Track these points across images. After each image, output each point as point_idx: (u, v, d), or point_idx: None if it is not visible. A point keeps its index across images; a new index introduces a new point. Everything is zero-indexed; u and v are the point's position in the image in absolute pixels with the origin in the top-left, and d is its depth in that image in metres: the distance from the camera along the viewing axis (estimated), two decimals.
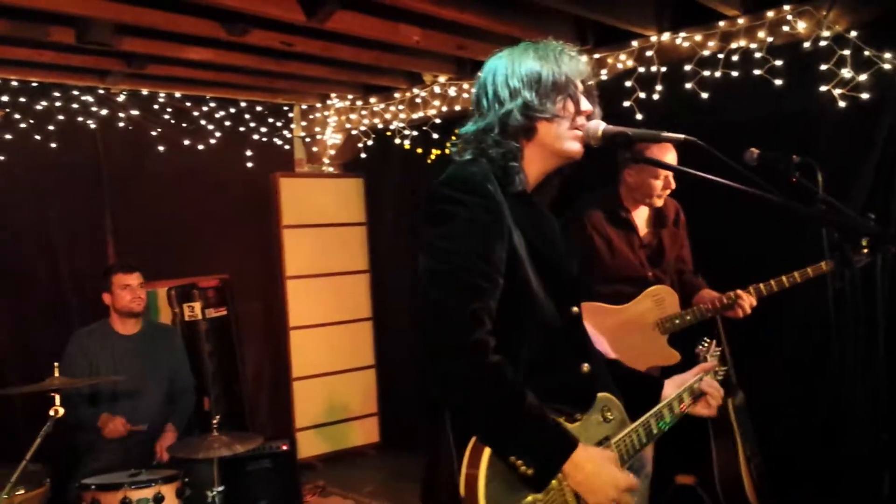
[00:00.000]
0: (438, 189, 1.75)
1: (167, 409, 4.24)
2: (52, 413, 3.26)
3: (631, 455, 1.86)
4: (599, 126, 1.88)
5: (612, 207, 3.44)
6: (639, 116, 4.13)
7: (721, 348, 2.37)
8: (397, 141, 5.61)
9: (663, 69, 4.12)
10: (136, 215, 5.27)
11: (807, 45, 3.68)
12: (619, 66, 4.31)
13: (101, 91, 5.13)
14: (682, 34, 4.07)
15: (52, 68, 4.61)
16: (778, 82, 3.76)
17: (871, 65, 3.52)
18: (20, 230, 4.90)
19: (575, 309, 1.87)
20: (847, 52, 3.55)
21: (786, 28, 3.73)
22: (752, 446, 3.64)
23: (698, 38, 4.00)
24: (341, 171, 6.28)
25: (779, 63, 3.75)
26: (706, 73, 3.96)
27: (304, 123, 6.27)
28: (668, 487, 3.80)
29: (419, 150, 5.50)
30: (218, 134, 5.63)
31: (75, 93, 5.05)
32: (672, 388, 2.07)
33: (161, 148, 5.39)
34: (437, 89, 5.24)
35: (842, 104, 3.61)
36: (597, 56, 4.39)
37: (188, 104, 5.55)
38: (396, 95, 5.52)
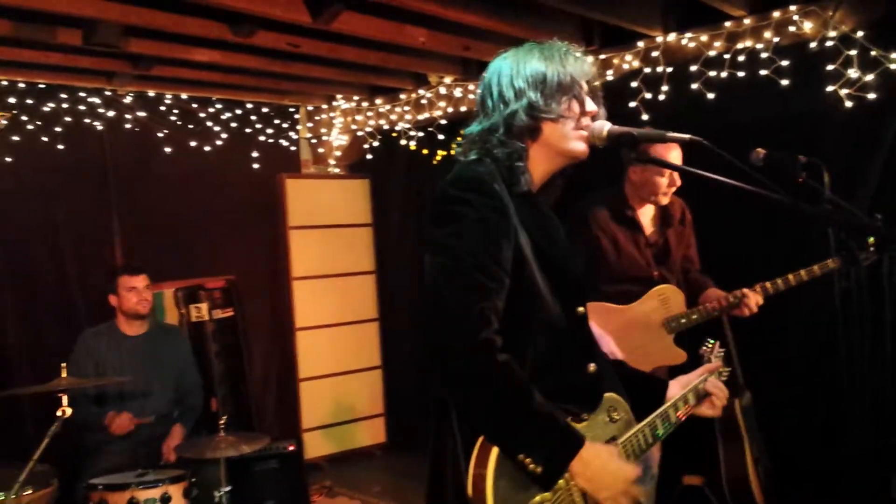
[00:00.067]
0: (445, 189, 1.76)
1: (174, 410, 4.25)
2: (59, 413, 3.27)
3: (637, 455, 1.87)
4: (605, 126, 1.88)
5: (617, 206, 3.43)
6: (645, 117, 4.13)
7: (725, 349, 2.36)
8: (403, 142, 5.62)
9: (669, 70, 4.12)
10: (143, 216, 5.29)
11: (813, 45, 3.67)
12: (625, 66, 4.31)
13: (108, 93, 5.14)
14: (688, 35, 4.06)
15: (58, 70, 4.63)
16: (784, 82, 3.75)
17: (877, 65, 3.51)
18: (27, 231, 4.92)
19: (581, 309, 1.87)
20: (853, 53, 3.54)
21: (792, 28, 3.73)
22: (759, 447, 3.63)
23: (704, 38, 3.99)
24: (347, 173, 6.29)
25: (785, 63, 3.74)
26: (712, 73, 3.95)
27: (310, 125, 6.28)
28: (676, 488, 3.79)
29: (425, 151, 5.51)
30: (224, 135, 5.65)
31: (82, 94, 5.06)
32: (677, 388, 2.07)
33: (168, 149, 5.40)
34: (442, 90, 5.25)
35: (848, 104, 3.60)
36: (603, 57, 4.39)
37: (194, 106, 5.57)
38: (402, 96, 5.53)
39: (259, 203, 5.83)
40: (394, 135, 5.72)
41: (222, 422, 3.75)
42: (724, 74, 3.93)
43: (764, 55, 3.80)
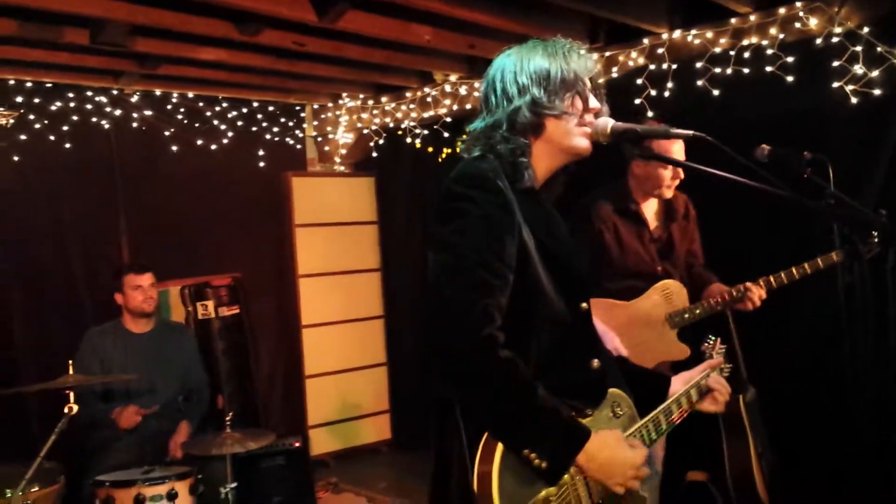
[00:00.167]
0: (449, 186, 1.76)
1: (181, 404, 4.27)
2: (66, 410, 3.29)
3: None
4: (608, 123, 1.89)
5: (620, 201, 3.42)
6: (650, 114, 4.12)
7: (728, 345, 2.37)
8: (408, 140, 5.63)
9: (674, 66, 4.11)
10: (150, 215, 5.31)
11: (819, 41, 3.67)
12: (631, 63, 4.31)
13: (115, 92, 5.16)
14: (694, 31, 4.06)
15: (66, 69, 4.65)
16: (790, 79, 3.75)
17: (883, 61, 3.50)
18: (35, 230, 4.94)
19: (584, 305, 1.87)
20: (859, 49, 3.54)
21: (797, 24, 3.72)
22: (763, 442, 3.63)
23: (709, 35, 3.99)
24: (353, 171, 6.30)
25: (790, 60, 3.74)
26: (717, 70, 3.95)
27: (315, 123, 6.29)
28: (680, 484, 3.79)
29: (430, 149, 5.52)
30: (230, 134, 5.66)
31: (89, 93, 5.08)
32: (679, 384, 2.07)
33: (174, 148, 5.42)
34: (448, 88, 5.25)
35: (854, 100, 3.59)
36: (608, 54, 4.38)
37: (201, 104, 5.58)
38: (408, 94, 5.54)
39: (265, 201, 5.85)
40: (399, 133, 5.73)
41: (228, 418, 3.77)
42: (729, 71, 3.92)
43: (769, 52, 3.80)
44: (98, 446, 3.99)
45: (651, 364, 3.31)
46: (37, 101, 4.89)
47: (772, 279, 3.32)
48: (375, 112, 5.82)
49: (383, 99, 5.73)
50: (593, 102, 1.88)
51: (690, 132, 1.87)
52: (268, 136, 5.91)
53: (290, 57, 4.68)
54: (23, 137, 4.85)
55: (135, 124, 5.28)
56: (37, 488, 3.21)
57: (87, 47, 4.10)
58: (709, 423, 3.18)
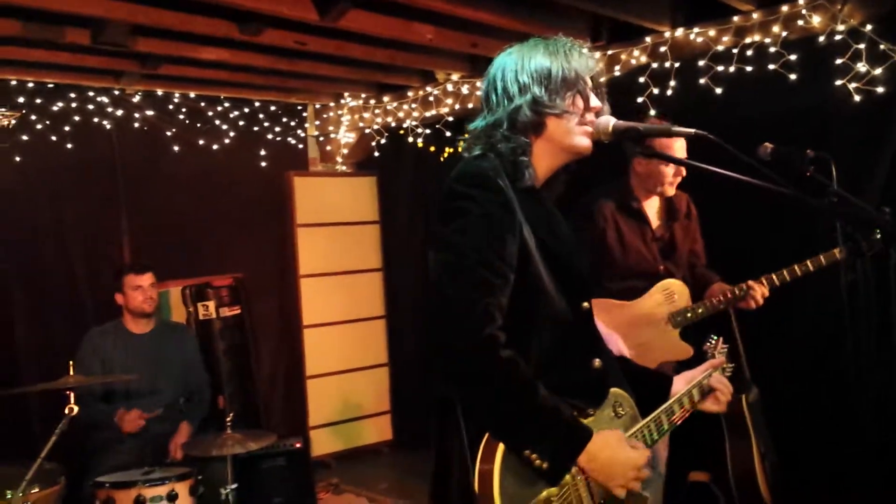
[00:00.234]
0: (450, 185, 1.76)
1: (181, 405, 4.26)
2: (66, 411, 3.29)
3: None
4: (610, 121, 1.88)
5: (623, 199, 3.41)
6: (652, 112, 4.11)
7: (731, 344, 2.36)
8: (410, 139, 5.62)
9: (677, 65, 4.10)
10: (151, 215, 5.30)
11: (821, 39, 3.65)
12: (633, 62, 4.30)
13: (117, 92, 5.16)
14: (696, 29, 4.05)
15: (67, 69, 4.64)
16: (792, 77, 3.73)
17: (886, 58, 3.49)
18: (36, 230, 4.94)
19: (585, 304, 1.86)
20: (862, 46, 3.52)
21: (800, 22, 3.71)
22: (766, 442, 3.62)
23: (712, 33, 3.98)
24: (355, 170, 6.30)
25: (793, 58, 3.72)
26: (720, 68, 3.94)
27: (317, 122, 6.29)
28: (682, 484, 3.78)
29: (432, 149, 5.51)
30: (232, 134, 5.66)
31: (91, 94, 5.08)
32: (681, 384, 2.07)
33: (176, 148, 5.42)
34: (450, 87, 5.24)
35: (857, 98, 3.58)
36: (610, 52, 4.37)
37: (202, 104, 5.58)
38: (410, 94, 5.53)
39: (267, 201, 5.85)
40: (401, 132, 5.72)
41: (229, 419, 3.76)
42: (731, 69, 3.91)
43: (772, 49, 3.78)
44: (98, 447, 3.99)
45: (654, 364, 3.30)
46: (38, 101, 4.89)
47: (774, 277, 3.31)
48: (377, 111, 5.81)
49: (385, 98, 5.72)
50: (594, 101, 1.87)
51: (692, 130, 1.86)
52: (269, 136, 5.91)
53: (292, 56, 4.68)
54: (24, 138, 4.84)
55: (136, 124, 5.28)
56: (37, 489, 3.20)
57: (88, 47, 4.10)
58: (711, 423, 3.16)
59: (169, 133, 5.40)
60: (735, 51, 3.88)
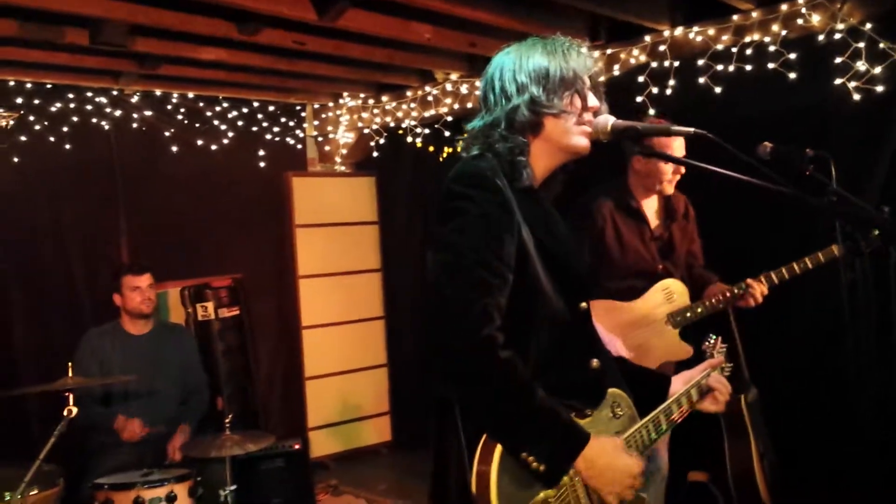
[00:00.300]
0: (448, 185, 1.75)
1: (180, 408, 4.26)
2: (65, 413, 3.28)
3: (642, 451, 1.86)
4: (608, 120, 1.88)
5: (621, 197, 3.40)
6: (652, 111, 4.10)
7: (730, 344, 2.36)
8: (409, 139, 5.61)
9: (676, 64, 4.10)
10: (150, 215, 5.30)
11: (821, 38, 3.65)
12: (632, 61, 4.29)
13: (115, 92, 5.15)
14: (696, 28, 4.04)
15: (65, 70, 4.64)
16: (792, 76, 3.73)
17: (885, 57, 3.48)
18: (35, 231, 4.94)
19: (583, 305, 1.86)
20: (862, 45, 3.52)
21: (800, 21, 3.70)
22: (764, 442, 3.61)
23: (711, 32, 3.97)
24: (353, 170, 6.29)
25: (793, 56, 3.72)
26: (719, 67, 3.93)
27: (316, 123, 6.28)
28: (681, 484, 3.77)
29: (431, 149, 5.51)
30: (231, 134, 5.65)
31: (89, 94, 5.08)
32: (680, 384, 2.06)
33: (174, 148, 5.41)
34: (448, 87, 5.23)
35: (856, 97, 3.57)
36: (609, 51, 4.37)
37: (201, 104, 5.57)
38: (408, 93, 5.52)
39: (265, 201, 5.84)
40: (400, 132, 5.72)
41: (228, 420, 3.75)
42: (731, 68, 3.90)
43: (772, 48, 3.78)
44: (97, 448, 3.99)
45: (654, 364, 3.30)
46: (37, 101, 4.89)
47: (773, 275, 3.30)
48: (376, 111, 5.81)
49: (384, 98, 5.71)
50: (592, 101, 1.86)
51: (691, 129, 1.86)
52: (268, 136, 5.90)
53: (291, 56, 4.67)
54: (23, 138, 4.84)
55: (135, 125, 5.28)
56: (36, 491, 3.21)
57: (86, 48, 4.09)
58: (710, 422, 3.16)
59: (167, 133, 5.39)
60: (734, 50, 3.88)
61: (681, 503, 3.74)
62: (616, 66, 4.34)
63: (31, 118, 4.87)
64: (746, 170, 1.83)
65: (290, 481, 4.35)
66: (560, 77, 1.81)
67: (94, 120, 5.12)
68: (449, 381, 1.67)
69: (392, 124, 5.76)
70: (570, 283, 1.83)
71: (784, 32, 3.75)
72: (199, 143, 5.51)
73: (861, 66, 3.53)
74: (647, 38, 4.21)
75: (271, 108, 5.91)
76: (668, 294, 3.36)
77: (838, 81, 3.61)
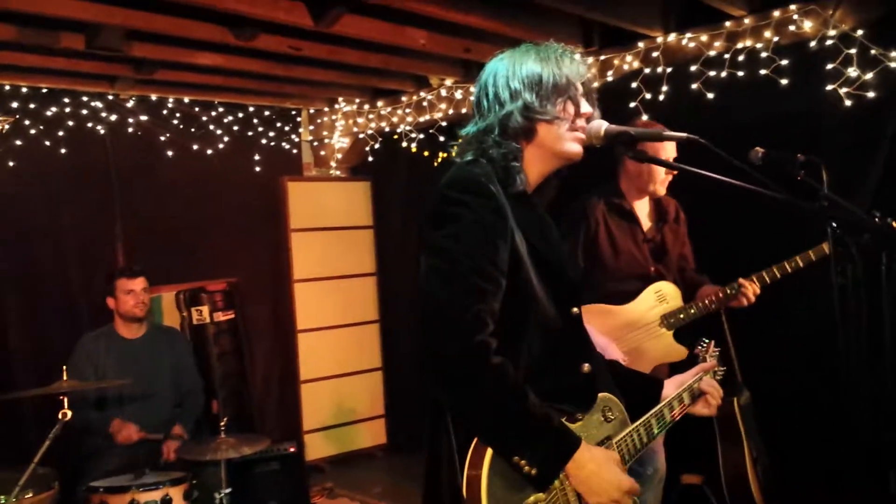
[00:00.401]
0: (442, 191, 1.76)
1: (175, 411, 4.26)
2: (60, 416, 3.29)
3: (633, 455, 1.87)
4: (602, 125, 1.90)
5: (613, 199, 3.42)
6: (645, 117, 4.11)
7: (722, 347, 2.37)
8: (404, 144, 5.63)
9: (669, 70, 4.11)
10: (146, 219, 5.30)
11: (813, 44, 3.67)
12: (625, 67, 4.31)
13: (111, 97, 5.16)
14: (688, 34, 4.06)
15: (61, 74, 4.64)
16: (784, 82, 3.74)
17: (877, 63, 3.50)
18: (31, 235, 4.93)
19: (575, 310, 1.87)
20: (853, 51, 3.54)
21: (792, 27, 3.72)
22: (757, 445, 3.63)
23: (704, 38, 3.99)
24: (349, 175, 6.30)
25: (785, 63, 3.74)
26: (712, 73, 3.95)
27: (311, 127, 6.29)
28: (675, 487, 3.79)
29: (426, 153, 5.52)
30: (226, 139, 5.67)
31: (85, 99, 5.09)
32: (672, 388, 2.07)
33: (170, 153, 5.43)
34: (443, 92, 5.25)
35: (848, 103, 3.59)
36: (603, 57, 4.39)
37: (197, 109, 5.59)
38: (403, 99, 5.54)
39: (261, 206, 5.85)
40: (395, 137, 5.73)
41: (223, 423, 3.76)
42: (723, 74, 3.92)
43: (764, 55, 3.80)
44: (92, 452, 3.99)
45: (649, 367, 3.31)
46: (32, 106, 4.90)
47: (765, 274, 3.32)
48: (371, 116, 5.82)
49: (379, 103, 5.73)
50: (585, 107, 1.88)
51: (684, 134, 1.88)
52: (264, 141, 5.92)
53: (286, 61, 4.68)
54: (19, 143, 4.85)
55: (130, 129, 5.29)
56: (31, 494, 3.20)
57: (83, 52, 4.10)
58: (703, 426, 3.17)
59: (163, 138, 5.41)
60: (727, 56, 3.90)
61: None
62: (609, 72, 4.36)
63: (27, 122, 4.87)
64: (739, 175, 1.85)
65: (285, 484, 4.36)
66: (553, 83, 1.82)
67: (90, 124, 5.13)
68: (441, 386, 1.67)
69: (387, 129, 5.78)
70: (562, 289, 1.84)
71: (776, 39, 3.77)
72: (195, 147, 5.52)
73: (852, 72, 3.55)
74: (641, 45, 4.23)
75: (267, 113, 5.93)
76: (661, 296, 3.37)
77: (830, 87, 3.63)
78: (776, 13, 3.75)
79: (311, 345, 5.84)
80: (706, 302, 3.38)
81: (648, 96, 4.17)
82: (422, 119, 5.44)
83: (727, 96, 3.94)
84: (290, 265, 5.79)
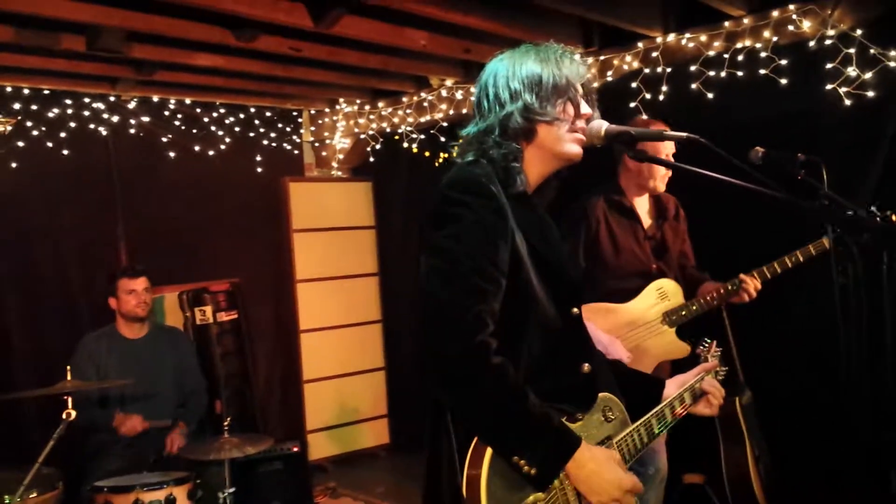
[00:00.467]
0: (442, 191, 1.76)
1: (178, 411, 4.27)
2: (64, 416, 3.30)
3: (633, 455, 1.87)
4: (602, 126, 1.90)
5: (614, 197, 3.43)
6: (644, 118, 4.12)
7: (724, 347, 2.38)
8: (405, 144, 5.64)
9: (669, 70, 4.12)
10: (148, 220, 5.32)
11: (812, 43, 3.67)
12: (625, 67, 4.32)
13: (112, 98, 5.17)
14: (688, 35, 4.07)
15: (63, 76, 4.65)
16: (783, 81, 3.75)
17: (876, 63, 3.51)
18: (33, 236, 4.95)
19: (575, 310, 1.87)
20: (852, 51, 3.54)
21: (791, 27, 3.73)
22: (759, 445, 3.64)
23: (703, 38, 4.00)
24: (350, 175, 6.31)
25: (784, 62, 3.75)
26: (711, 73, 3.96)
27: (312, 128, 6.30)
28: (677, 486, 3.79)
29: (427, 154, 5.53)
30: (228, 139, 5.68)
31: (86, 100, 5.10)
32: (673, 388, 2.08)
33: (172, 154, 5.44)
34: (444, 93, 5.26)
35: (847, 102, 3.60)
36: (603, 57, 4.40)
37: (198, 110, 5.60)
38: (404, 99, 5.55)
39: (263, 206, 5.86)
40: (396, 137, 5.74)
41: (226, 423, 3.77)
42: (723, 74, 3.93)
43: (763, 54, 3.81)
44: (96, 451, 4.00)
45: (652, 364, 3.32)
46: (34, 107, 4.91)
47: (765, 270, 3.33)
48: (372, 117, 5.83)
49: (380, 104, 5.74)
50: (585, 108, 1.88)
51: (684, 134, 1.88)
52: (265, 142, 5.93)
53: (287, 62, 4.69)
54: (20, 144, 4.86)
55: (132, 131, 5.29)
56: (35, 494, 3.21)
57: (83, 54, 4.11)
58: (706, 425, 3.18)
59: (165, 139, 5.42)
60: (726, 56, 3.91)
61: None
62: (609, 72, 4.37)
63: (29, 124, 4.88)
64: (739, 174, 1.86)
65: (288, 484, 4.37)
66: (553, 84, 1.83)
67: (92, 126, 5.14)
68: (441, 386, 1.68)
69: (388, 130, 5.79)
70: (562, 289, 1.85)
71: (775, 38, 3.77)
72: (197, 148, 5.53)
73: (852, 71, 3.55)
74: (640, 45, 4.24)
75: (268, 114, 5.94)
76: (663, 294, 3.38)
77: (829, 87, 3.64)
78: (775, 13, 3.76)
79: (313, 345, 5.85)
80: (707, 298, 3.39)
81: (648, 96, 4.18)
82: (422, 120, 5.45)
83: (727, 96, 3.94)
84: (293, 265, 5.80)
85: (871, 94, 3.54)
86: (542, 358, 1.78)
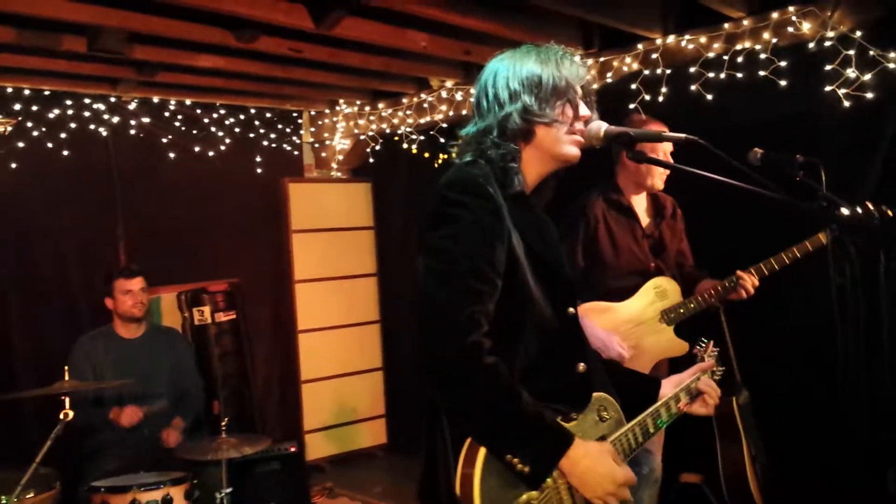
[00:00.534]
0: (440, 192, 1.77)
1: (174, 412, 4.27)
2: (62, 416, 3.30)
3: (628, 454, 1.88)
4: (601, 127, 1.91)
5: (612, 195, 3.43)
6: (641, 116, 4.12)
7: (721, 347, 2.39)
8: (405, 146, 5.64)
9: (668, 71, 4.12)
10: (147, 221, 5.32)
11: (811, 45, 3.67)
12: (625, 68, 4.32)
13: (113, 99, 5.18)
14: (687, 36, 4.07)
15: (63, 77, 4.65)
16: (783, 83, 3.75)
17: (875, 64, 3.51)
18: (33, 236, 4.96)
19: (571, 310, 1.88)
20: (852, 52, 3.54)
21: (790, 29, 3.73)
22: (756, 444, 3.64)
23: (703, 40, 4.00)
24: (350, 176, 6.32)
25: (783, 64, 3.75)
26: (711, 74, 3.96)
27: (312, 129, 6.31)
28: (674, 486, 3.80)
29: (426, 155, 5.54)
30: (228, 140, 5.69)
31: (87, 101, 5.10)
32: (669, 388, 2.08)
33: (172, 155, 5.45)
34: (444, 94, 5.27)
35: (847, 104, 3.60)
36: (602, 59, 4.40)
37: (198, 111, 5.60)
38: (404, 100, 5.55)
39: (262, 207, 5.87)
40: (396, 139, 5.75)
41: (224, 423, 3.77)
42: (723, 76, 3.93)
43: (762, 56, 3.81)
44: (93, 451, 4.00)
45: (651, 362, 3.33)
46: (35, 108, 4.91)
47: (762, 266, 3.34)
48: (372, 118, 5.84)
49: (380, 105, 5.74)
50: (584, 110, 1.89)
51: (683, 135, 1.89)
52: (265, 143, 5.94)
53: (287, 64, 4.69)
54: (21, 145, 4.86)
55: (132, 131, 5.30)
56: (32, 494, 3.22)
57: (84, 55, 4.11)
58: (702, 425, 3.18)
59: (165, 140, 5.42)
60: (726, 57, 3.91)
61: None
62: (609, 74, 4.38)
63: (29, 124, 4.89)
64: (738, 175, 1.86)
65: (285, 484, 4.37)
66: (552, 86, 1.83)
67: (92, 126, 5.15)
68: (436, 386, 1.68)
69: (388, 131, 5.79)
70: (559, 289, 1.85)
71: (775, 40, 3.77)
72: (197, 149, 5.54)
73: (851, 73, 3.55)
74: (640, 46, 4.24)
75: (268, 115, 5.95)
76: (661, 292, 3.38)
77: (829, 88, 3.64)
78: (775, 14, 3.76)
79: (311, 345, 5.86)
80: (705, 296, 3.39)
81: (648, 98, 4.18)
82: (422, 121, 5.46)
83: (726, 98, 3.95)
84: (292, 266, 5.80)
85: (870, 95, 3.54)
86: (538, 358, 1.78)
